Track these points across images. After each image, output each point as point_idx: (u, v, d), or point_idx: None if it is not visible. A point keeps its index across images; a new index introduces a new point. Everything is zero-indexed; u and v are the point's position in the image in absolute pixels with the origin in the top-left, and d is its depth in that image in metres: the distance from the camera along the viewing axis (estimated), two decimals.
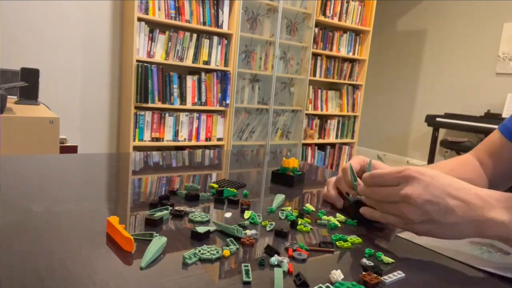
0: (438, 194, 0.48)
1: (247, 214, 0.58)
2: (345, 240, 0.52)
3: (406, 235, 0.56)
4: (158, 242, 0.43)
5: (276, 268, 0.41)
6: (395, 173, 0.52)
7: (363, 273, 0.42)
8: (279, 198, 0.68)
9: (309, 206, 0.66)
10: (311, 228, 0.55)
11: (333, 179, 0.71)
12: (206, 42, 3.22)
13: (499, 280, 0.45)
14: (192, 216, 0.55)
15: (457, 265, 0.48)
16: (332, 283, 0.40)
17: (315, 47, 3.83)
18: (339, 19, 3.94)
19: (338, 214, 0.63)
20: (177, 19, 3.05)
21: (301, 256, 0.46)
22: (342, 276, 0.41)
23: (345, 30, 4.07)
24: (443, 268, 0.47)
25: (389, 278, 0.42)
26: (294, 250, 0.47)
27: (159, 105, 3.08)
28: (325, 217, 0.60)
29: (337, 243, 0.51)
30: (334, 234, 0.54)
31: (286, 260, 0.43)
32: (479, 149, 0.81)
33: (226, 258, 0.44)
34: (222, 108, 3.39)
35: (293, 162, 0.79)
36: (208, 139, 3.38)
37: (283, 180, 0.78)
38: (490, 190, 0.50)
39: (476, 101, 4.91)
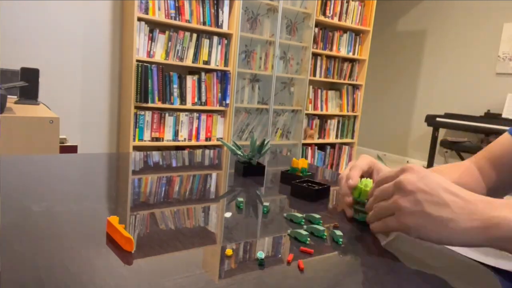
0: (432, 187, 0.45)
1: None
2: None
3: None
4: None
5: None
6: (396, 171, 0.51)
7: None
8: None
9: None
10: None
11: (345, 175, 0.63)
12: (206, 42, 3.22)
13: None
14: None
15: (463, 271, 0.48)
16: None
17: (315, 47, 3.83)
18: (339, 19, 3.94)
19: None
20: (177, 19, 3.05)
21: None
22: None
23: (345, 30, 4.07)
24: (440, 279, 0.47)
25: None
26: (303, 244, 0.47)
27: (159, 105, 3.08)
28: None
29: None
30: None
31: None
32: (480, 157, 0.79)
33: (228, 257, 0.44)
34: (222, 108, 3.39)
35: (302, 163, 0.80)
36: (208, 139, 3.38)
37: (291, 180, 0.79)
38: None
39: (476, 101, 4.91)
